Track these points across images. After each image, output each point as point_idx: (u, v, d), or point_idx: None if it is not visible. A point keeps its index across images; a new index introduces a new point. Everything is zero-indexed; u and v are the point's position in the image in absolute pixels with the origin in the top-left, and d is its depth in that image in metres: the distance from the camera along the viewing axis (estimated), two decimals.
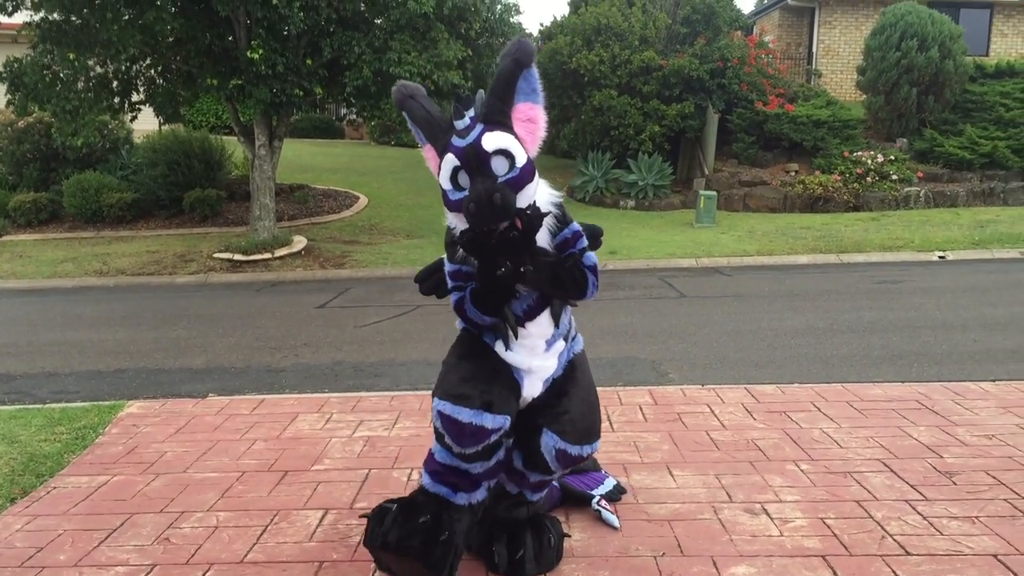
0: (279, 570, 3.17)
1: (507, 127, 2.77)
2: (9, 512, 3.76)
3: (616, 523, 3.40)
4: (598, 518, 3.45)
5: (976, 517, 3.41)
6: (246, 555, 3.27)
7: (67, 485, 4.06)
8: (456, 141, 2.76)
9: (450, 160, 2.76)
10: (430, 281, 3.17)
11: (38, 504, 3.84)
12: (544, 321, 3.00)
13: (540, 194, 2.86)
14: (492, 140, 2.72)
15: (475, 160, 2.71)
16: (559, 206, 2.93)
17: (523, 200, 2.74)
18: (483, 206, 2.64)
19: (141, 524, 3.57)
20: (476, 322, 2.98)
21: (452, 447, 2.90)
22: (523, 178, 2.74)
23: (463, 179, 2.74)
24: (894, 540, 3.22)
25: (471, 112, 2.78)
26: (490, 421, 2.85)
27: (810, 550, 3.17)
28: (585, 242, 2.98)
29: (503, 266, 2.73)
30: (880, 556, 3.11)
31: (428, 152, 2.91)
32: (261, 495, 3.85)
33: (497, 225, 2.70)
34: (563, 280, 2.91)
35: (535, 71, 2.80)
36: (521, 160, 2.74)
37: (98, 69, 12.75)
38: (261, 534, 3.45)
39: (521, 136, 2.79)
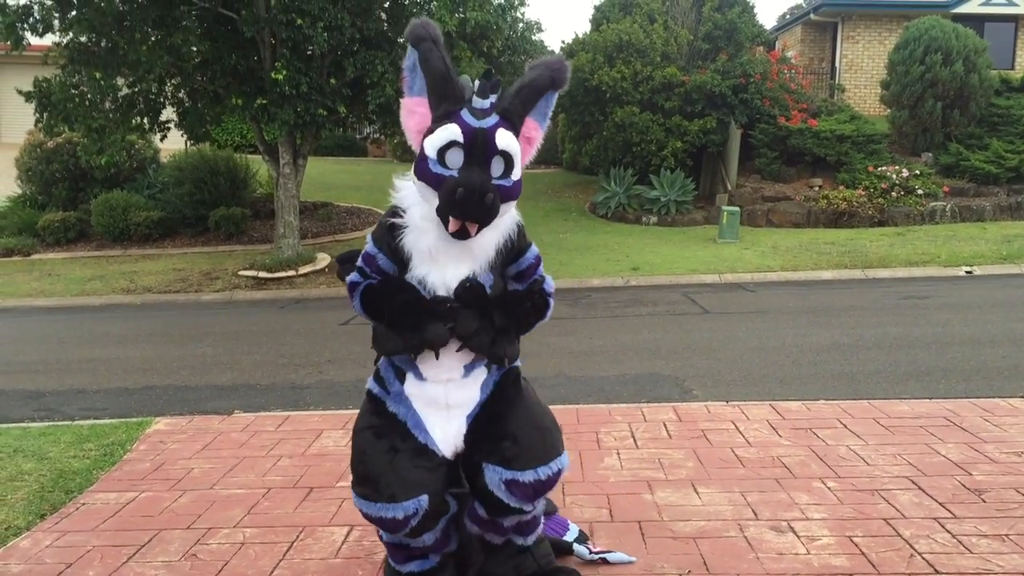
0: None
1: (518, 134, 2.61)
2: (39, 528, 3.81)
3: (631, 559, 3.24)
4: (613, 543, 3.42)
5: (1006, 535, 3.36)
6: (272, 571, 3.29)
7: (96, 501, 4.11)
8: (467, 117, 2.52)
9: (452, 131, 2.50)
10: (349, 265, 2.81)
11: (67, 520, 3.89)
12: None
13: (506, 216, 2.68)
14: (505, 139, 2.53)
15: (480, 147, 2.49)
16: (519, 227, 2.75)
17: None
18: (473, 197, 2.41)
19: (169, 540, 3.60)
20: (358, 312, 2.74)
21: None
22: (511, 193, 2.57)
23: (454, 158, 2.49)
24: (923, 559, 3.19)
25: (494, 98, 2.59)
26: (400, 511, 2.63)
27: (838, 568, 3.14)
28: (542, 267, 2.82)
29: (448, 324, 2.57)
30: (909, 575, 3.07)
31: (417, 104, 2.61)
32: (287, 512, 3.87)
33: (470, 224, 2.49)
34: (528, 314, 2.72)
35: (555, 99, 2.68)
36: (517, 174, 2.59)
37: (125, 89, 12.96)
38: (287, 551, 3.46)
39: None
